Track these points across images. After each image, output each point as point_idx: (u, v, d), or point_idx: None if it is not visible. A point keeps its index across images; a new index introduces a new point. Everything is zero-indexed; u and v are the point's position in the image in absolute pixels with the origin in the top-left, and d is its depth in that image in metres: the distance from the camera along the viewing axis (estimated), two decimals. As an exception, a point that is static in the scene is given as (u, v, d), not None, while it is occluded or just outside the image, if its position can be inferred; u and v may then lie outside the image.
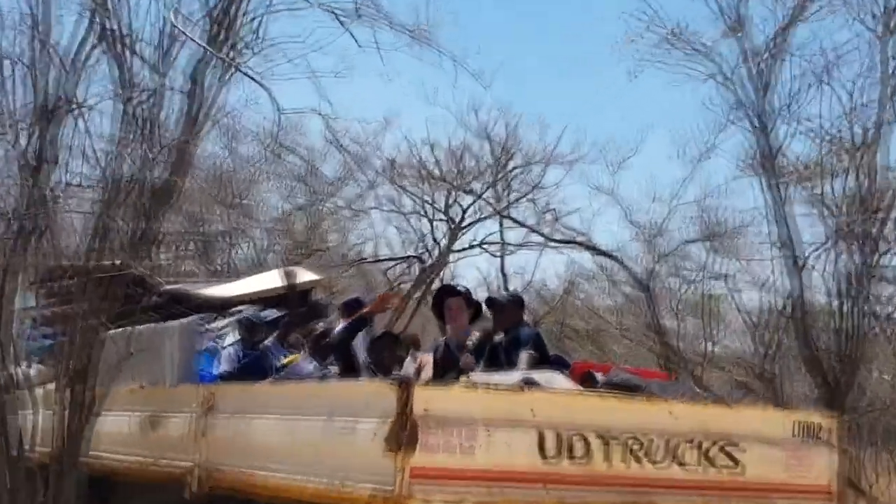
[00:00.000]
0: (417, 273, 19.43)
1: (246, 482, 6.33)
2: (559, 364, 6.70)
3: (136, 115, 7.10)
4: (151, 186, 7.11)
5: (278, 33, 7.97)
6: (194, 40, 7.22)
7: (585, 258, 18.65)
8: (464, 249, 19.84)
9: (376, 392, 5.31)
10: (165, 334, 7.18)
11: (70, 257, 7.58)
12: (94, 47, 7.24)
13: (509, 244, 19.40)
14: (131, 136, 7.11)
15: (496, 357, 6.51)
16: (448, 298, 7.17)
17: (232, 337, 7.94)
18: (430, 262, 19.48)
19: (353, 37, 7.63)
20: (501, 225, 18.75)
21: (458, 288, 7.60)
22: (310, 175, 18.17)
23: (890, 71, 10.19)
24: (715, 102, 12.52)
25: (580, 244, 14.02)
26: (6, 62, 7.20)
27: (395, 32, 7.71)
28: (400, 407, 4.96)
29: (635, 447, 5.48)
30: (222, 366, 7.65)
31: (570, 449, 5.34)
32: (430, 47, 7.88)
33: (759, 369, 12.51)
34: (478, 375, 6.18)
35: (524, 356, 6.27)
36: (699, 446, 5.69)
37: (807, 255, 10.90)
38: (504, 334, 6.68)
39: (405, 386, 5.02)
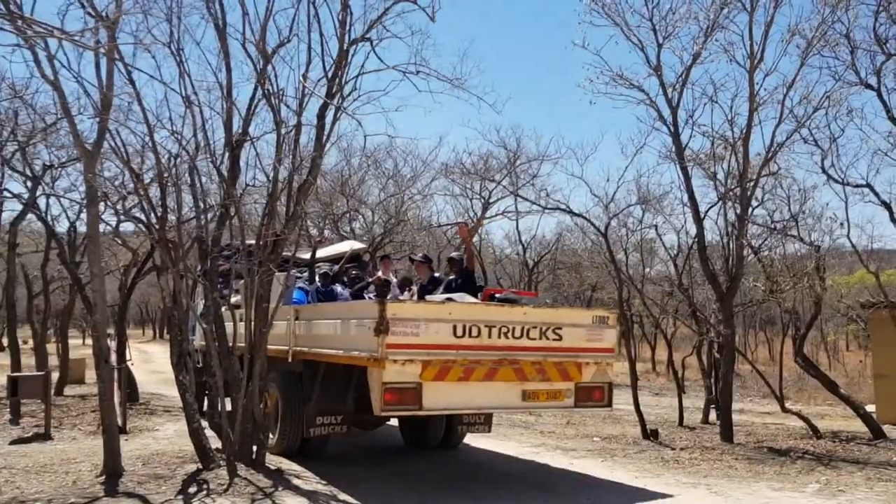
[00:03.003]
0: (465, 231, 23.08)
1: (314, 354, 8.40)
2: (478, 290, 8.84)
3: (285, 141, 8.14)
4: (297, 185, 8.30)
5: (368, 87, 9.87)
6: (318, 95, 8.12)
7: (567, 219, 23.61)
8: (491, 217, 23.70)
9: (370, 306, 7.26)
10: (277, 279, 8.56)
11: (249, 232, 8.75)
12: (259, 101, 8.22)
13: (520, 212, 22.62)
14: (283, 154, 8.10)
15: (453, 285, 8.73)
16: (416, 262, 9.81)
17: (318, 279, 10.38)
18: (471, 225, 22.90)
19: (414, 85, 8.42)
20: (515, 200, 21.76)
21: (416, 256, 10.09)
22: (396, 175, 22.15)
23: (754, 92, 11.09)
24: (644, 118, 16.52)
25: (563, 210, 14.67)
26: (208, 111, 8.13)
27: (441, 82, 8.44)
28: (380, 313, 6.93)
29: (504, 329, 7.46)
30: (310, 294, 10.12)
31: (470, 332, 7.30)
32: (463, 90, 8.51)
33: (678, 282, 13.95)
34: (431, 297, 8.57)
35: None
36: (540, 329, 7.64)
37: (704, 211, 12.09)
38: (458, 275, 8.90)
39: (382, 303, 7.08)
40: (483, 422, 9.63)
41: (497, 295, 8.57)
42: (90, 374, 17.76)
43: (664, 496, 7.60)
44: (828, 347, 32.32)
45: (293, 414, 8.64)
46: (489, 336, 7.34)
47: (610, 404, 8.12)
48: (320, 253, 11.84)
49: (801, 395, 19.01)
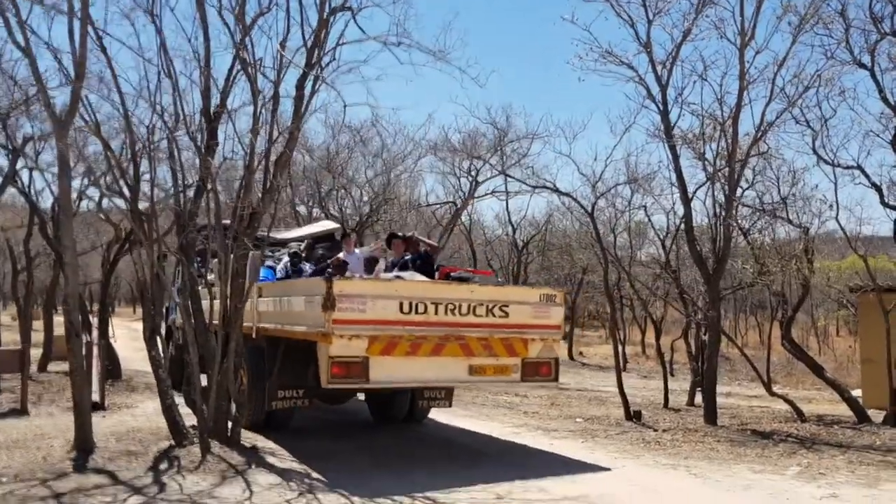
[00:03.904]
0: (452, 211, 23.27)
1: (274, 331, 8.56)
2: (435, 270, 9.11)
3: (263, 112, 8.02)
4: (274, 157, 8.26)
5: (349, 58, 9.08)
6: (296, 65, 8.01)
7: (555, 198, 22.24)
8: (480, 196, 23.20)
9: (319, 284, 7.36)
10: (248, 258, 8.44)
11: (227, 204, 8.51)
12: (237, 72, 8.15)
13: (509, 191, 22.04)
14: (259, 126, 7.98)
15: (409, 266, 8.97)
16: (394, 239, 9.79)
17: (286, 259, 10.31)
18: (460, 204, 23.08)
19: (395, 57, 8.09)
20: (505, 180, 21.06)
21: (399, 234, 10.07)
22: (384, 152, 21.42)
23: (744, 70, 10.92)
24: (633, 96, 16.59)
25: (550, 188, 14.48)
26: (184, 80, 8.01)
27: (423, 54, 8.13)
28: (327, 290, 7.10)
29: (451, 306, 7.65)
30: (279, 273, 10.02)
31: (417, 308, 7.47)
32: (446, 62, 8.19)
33: (666, 264, 13.98)
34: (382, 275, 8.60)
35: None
36: (486, 306, 7.81)
37: (692, 191, 11.95)
38: (414, 255, 9.27)
39: (328, 280, 7.26)
40: (444, 397, 9.83)
41: (452, 273, 8.86)
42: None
43: (603, 469, 7.73)
44: (818, 332, 32.31)
45: (257, 389, 8.80)
46: (436, 313, 7.50)
47: (556, 379, 8.35)
48: (294, 233, 11.85)
49: (790, 380, 18.97)
